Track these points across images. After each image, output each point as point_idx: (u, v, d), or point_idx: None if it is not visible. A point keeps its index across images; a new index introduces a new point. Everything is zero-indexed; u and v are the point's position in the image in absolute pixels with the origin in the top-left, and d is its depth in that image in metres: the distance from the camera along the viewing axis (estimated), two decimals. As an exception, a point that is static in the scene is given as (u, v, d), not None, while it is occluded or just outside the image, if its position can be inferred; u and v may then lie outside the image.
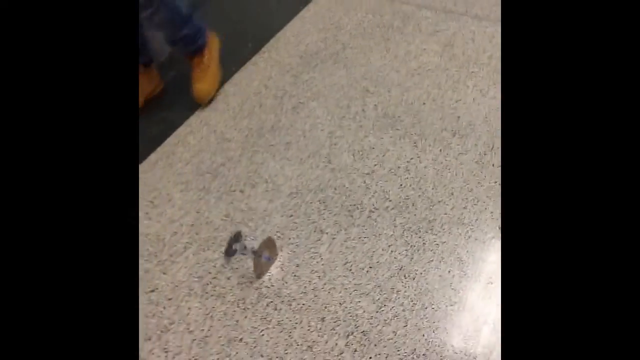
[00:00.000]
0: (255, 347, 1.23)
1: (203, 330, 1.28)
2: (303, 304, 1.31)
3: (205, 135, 1.78)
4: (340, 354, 1.21)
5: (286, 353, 1.22)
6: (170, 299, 1.35)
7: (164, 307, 1.33)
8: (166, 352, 1.25)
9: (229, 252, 1.35)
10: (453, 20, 2.11)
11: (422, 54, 1.99)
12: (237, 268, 1.39)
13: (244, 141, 1.74)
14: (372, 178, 1.58)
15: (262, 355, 1.22)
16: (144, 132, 1.72)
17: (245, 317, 1.29)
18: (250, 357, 1.22)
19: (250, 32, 2.17)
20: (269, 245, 1.37)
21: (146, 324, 1.30)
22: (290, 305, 1.31)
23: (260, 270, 1.36)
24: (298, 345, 1.23)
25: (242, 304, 1.32)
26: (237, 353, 1.23)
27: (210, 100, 1.87)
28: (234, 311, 1.31)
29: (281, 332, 1.26)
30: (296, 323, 1.27)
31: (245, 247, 1.35)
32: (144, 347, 1.25)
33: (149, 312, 1.32)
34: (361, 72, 1.95)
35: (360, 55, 2.02)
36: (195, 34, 1.81)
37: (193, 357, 1.23)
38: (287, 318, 1.28)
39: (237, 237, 1.36)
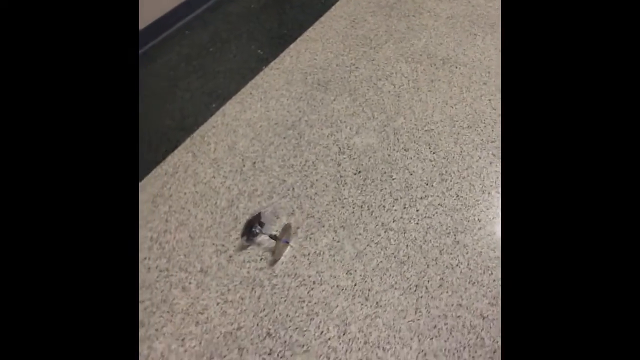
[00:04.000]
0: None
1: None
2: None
3: (377, -11, 2.54)
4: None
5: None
6: (385, 64, 2.10)
7: (383, 68, 2.09)
8: (364, 107, 2.00)
9: (248, 235, 1.44)
10: None
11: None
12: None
13: (406, -8, 2.51)
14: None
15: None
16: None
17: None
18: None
19: None
20: (286, 230, 1.44)
21: (373, 71, 2.05)
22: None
23: (279, 253, 1.43)
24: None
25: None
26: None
27: None
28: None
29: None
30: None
31: (263, 231, 1.45)
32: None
33: (372, 71, 2.08)
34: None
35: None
36: None
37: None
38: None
39: (256, 219, 1.46)
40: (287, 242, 1.45)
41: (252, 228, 1.44)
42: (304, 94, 1.97)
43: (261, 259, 1.45)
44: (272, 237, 1.41)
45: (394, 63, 2.09)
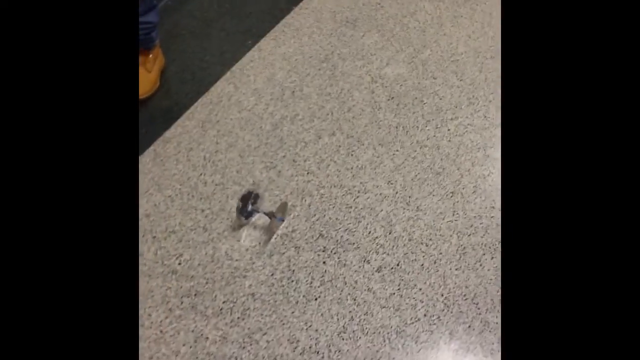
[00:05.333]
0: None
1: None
2: None
3: None
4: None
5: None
6: (409, 3, 2.20)
7: (407, 6, 2.19)
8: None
9: (244, 212, 1.42)
10: None
11: None
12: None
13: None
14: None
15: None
16: None
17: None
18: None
19: None
20: (282, 208, 1.45)
21: (398, 9, 2.15)
22: None
23: (271, 231, 1.43)
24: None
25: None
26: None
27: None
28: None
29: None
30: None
31: (258, 209, 1.43)
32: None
33: (396, 9, 2.17)
34: None
35: None
36: (154, 26, 1.73)
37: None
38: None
39: (254, 198, 1.43)
40: (282, 220, 1.44)
41: (245, 206, 1.41)
42: (334, 30, 2.07)
43: (307, 173, 1.58)
44: (267, 214, 1.41)
45: (417, 1, 2.19)
